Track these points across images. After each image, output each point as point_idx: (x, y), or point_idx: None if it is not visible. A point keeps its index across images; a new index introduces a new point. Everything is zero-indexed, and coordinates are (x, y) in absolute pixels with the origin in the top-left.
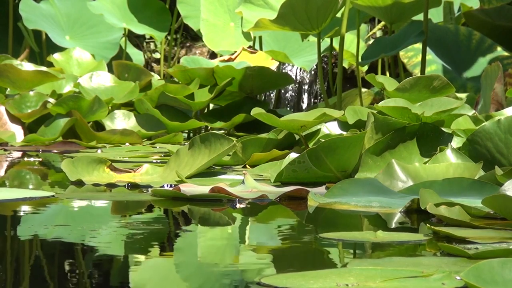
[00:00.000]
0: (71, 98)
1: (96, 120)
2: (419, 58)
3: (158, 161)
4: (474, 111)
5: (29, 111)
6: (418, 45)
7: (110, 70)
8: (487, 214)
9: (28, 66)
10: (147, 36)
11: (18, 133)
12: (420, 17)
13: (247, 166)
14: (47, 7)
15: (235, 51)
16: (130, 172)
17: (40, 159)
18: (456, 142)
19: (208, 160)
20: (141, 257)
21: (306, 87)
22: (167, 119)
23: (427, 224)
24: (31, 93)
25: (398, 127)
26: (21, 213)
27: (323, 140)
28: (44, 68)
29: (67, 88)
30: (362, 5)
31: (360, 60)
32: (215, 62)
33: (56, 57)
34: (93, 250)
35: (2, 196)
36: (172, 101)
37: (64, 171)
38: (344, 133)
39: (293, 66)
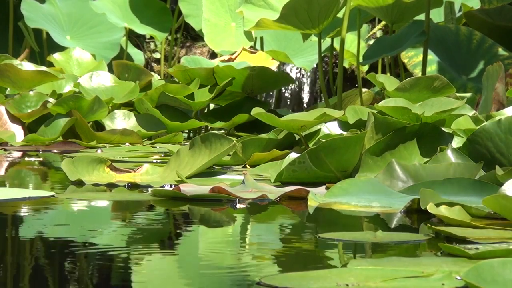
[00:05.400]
0: (71, 98)
1: (96, 120)
2: (420, 58)
3: (158, 161)
4: (474, 111)
5: (29, 111)
6: (419, 45)
7: (110, 70)
8: (487, 214)
9: (28, 66)
10: (147, 36)
11: (18, 133)
12: (421, 17)
13: (247, 166)
14: (48, 7)
15: (236, 51)
16: (130, 172)
17: (40, 159)
18: (456, 142)
19: (209, 160)
20: (142, 257)
21: (306, 87)
22: (167, 119)
23: (428, 224)
24: (31, 93)
25: (398, 127)
26: (21, 213)
27: (323, 140)
28: (44, 68)
29: (67, 88)
30: (363, 5)
31: (361, 60)
32: (215, 62)
33: (56, 57)
34: (93, 250)
35: (2, 196)
36: (172, 101)
37: (64, 171)
38: (344, 133)
39: (293, 66)
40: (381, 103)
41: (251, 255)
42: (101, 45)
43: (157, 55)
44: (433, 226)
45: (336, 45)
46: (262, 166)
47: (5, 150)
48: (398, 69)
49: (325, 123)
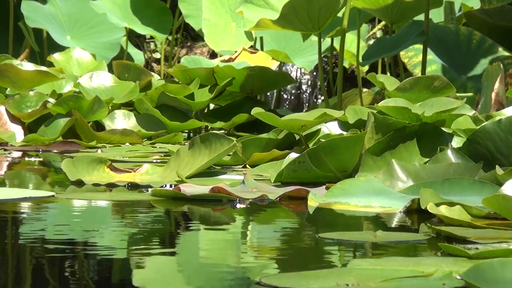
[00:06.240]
0: (71, 98)
1: (96, 120)
2: (420, 58)
3: (158, 161)
4: (474, 111)
5: (29, 111)
6: (419, 45)
7: (110, 70)
8: (487, 214)
9: (28, 66)
10: (148, 36)
11: (18, 133)
12: (421, 17)
13: (247, 166)
14: (49, 7)
15: (236, 51)
16: (130, 172)
17: (40, 159)
18: (456, 142)
19: (208, 160)
20: (142, 257)
21: (306, 87)
22: (167, 119)
23: (428, 224)
24: (31, 93)
25: (398, 127)
26: (21, 213)
27: (323, 140)
28: (44, 68)
29: (67, 88)
30: (363, 5)
31: (361, 60)
32: (215, 62)
33: (56, 57)
34: (93, 250)
35: (2, 196)
36: (172, 101)
37: (64, 171)
38: (344, 133)
39: (293, 66)
40: (381, 103)
41: (251, 255)
42: (101, 45)
43: (157, 55)
44: (433, 226)
45: (336, 45)
46: (262, 166)
47: (5, 150)
48: (398, 69)
49: (325, 123)
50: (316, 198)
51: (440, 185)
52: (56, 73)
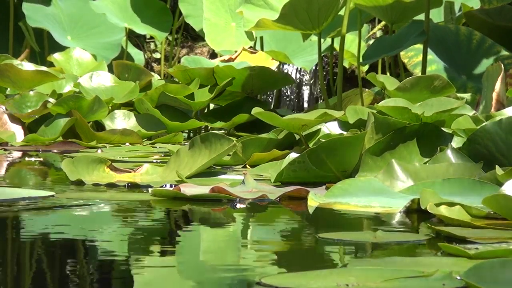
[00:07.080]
0: (71, 98)
1: (96, 120)
2: (420, 58)
3: (158, 161)
4: (474, 111)
5: (29, 111)
6: (419, 45)
7: (111, 70)
8: (487, 214)
9: (28, 66)
10: (148, 36)
11: (18, 133)
12: (421, 17)
13: (247, 166)
14: (50, 7)
15: (236, 51)
16: (130, 172)
17: (40, 159)
18: (456, 142)
19: (208, 160)
20: (142, 257)
21: (306, 87)
22: (167, 119)
23: (428, 224)
24: (31, 93)
25: (398, 127)
26: (21, 213)
27: (323, 140)
28: (44, 68)
29: (67, 88)
30: (363, 5)
31: (361, 60)
32: (215, 62)
33: (56, 57)
34: (93, 250)
35: (2, 196)
36: (172, 101)
37: (64, 171)
38: (345, 133)
39: (293, 66)
40: (381, 103)
41: (251, 255)
42: (101, 46)
43: (157, 55)
44: (433, 226)
45: (336, 45)
46: (262, 166)
47: (5, 150)
48: (398, 69)
49: (325, 123)
50: (316, 198)
51: (440, 185)
52: (56, 73)
